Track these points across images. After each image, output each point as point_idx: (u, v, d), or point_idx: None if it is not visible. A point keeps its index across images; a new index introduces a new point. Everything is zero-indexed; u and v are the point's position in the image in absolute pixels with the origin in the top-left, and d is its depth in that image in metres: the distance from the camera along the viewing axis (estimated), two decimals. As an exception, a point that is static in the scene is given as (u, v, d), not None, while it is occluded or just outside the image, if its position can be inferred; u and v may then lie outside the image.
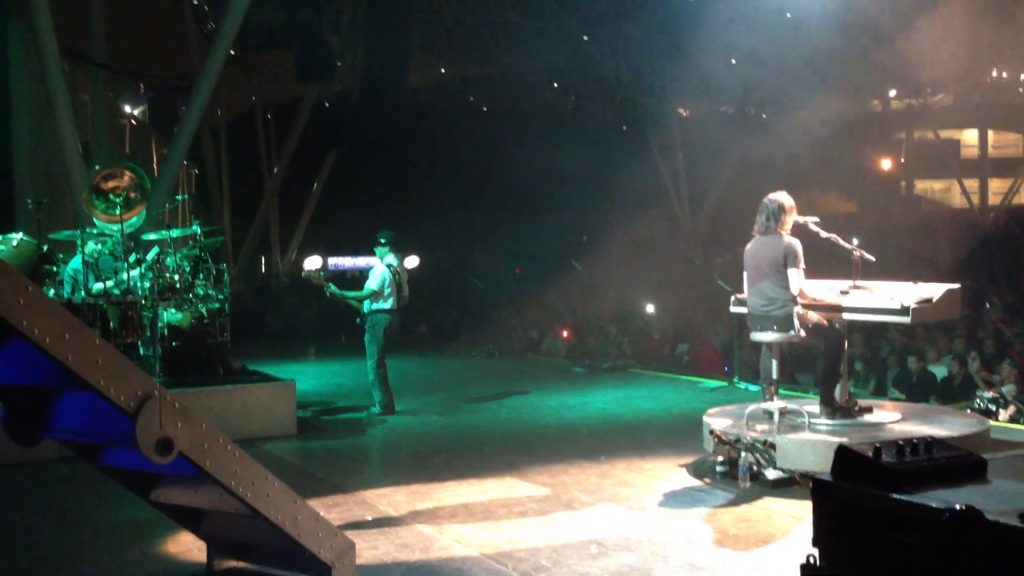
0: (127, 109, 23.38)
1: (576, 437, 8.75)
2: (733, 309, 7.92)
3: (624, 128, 30.78)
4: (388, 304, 9.86)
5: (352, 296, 10.05)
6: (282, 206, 29.29)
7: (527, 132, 30.31)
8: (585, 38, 26.37)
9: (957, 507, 2.30)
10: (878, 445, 2.71)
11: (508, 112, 31.52)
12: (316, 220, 29.41)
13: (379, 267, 9.96)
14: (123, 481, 4.86)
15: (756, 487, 6.54)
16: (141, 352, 9.16)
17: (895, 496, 2.52)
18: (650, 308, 16.97)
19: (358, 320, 10.04)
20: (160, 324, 9.03)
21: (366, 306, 9.92)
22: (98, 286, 8.89)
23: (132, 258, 9.13)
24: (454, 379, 13.15)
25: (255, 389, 9.05)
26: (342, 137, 25.98)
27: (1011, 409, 9.89)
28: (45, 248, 9.07)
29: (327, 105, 26.91)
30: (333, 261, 29.91)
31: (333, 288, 9.93)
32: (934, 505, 2.41)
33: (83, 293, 8.77)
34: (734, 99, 27.17)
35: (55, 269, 8.99)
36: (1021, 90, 33.39)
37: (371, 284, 9.87)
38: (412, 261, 10.87)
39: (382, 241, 10.04)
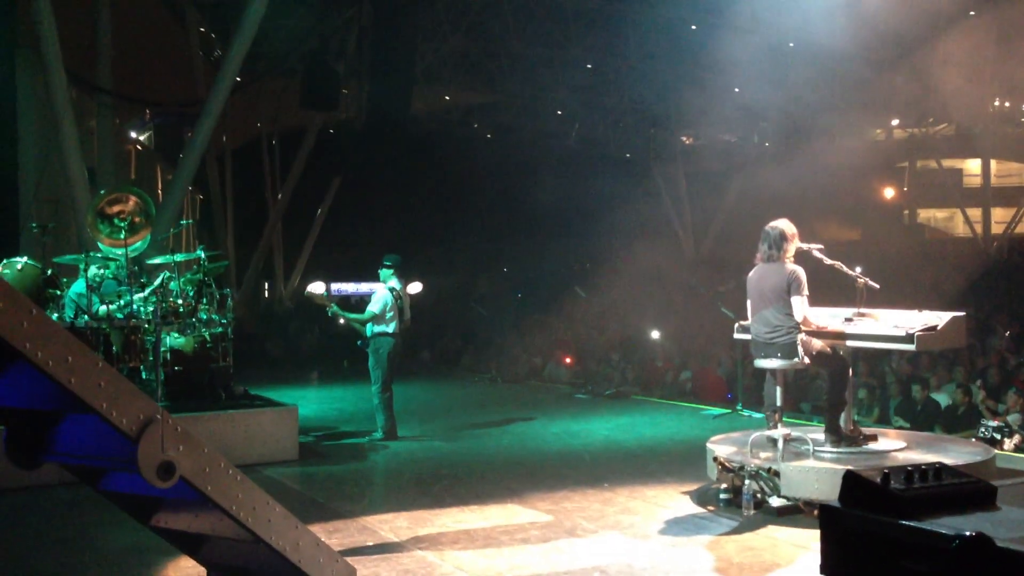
0: (133, 135, 23.52)
1: (579, 464, 8.70)
2: (737, 336, 7.90)
3: (628, 156, 30.90)
4: (391, 328, 9.87)
5: (353, 318, 10.06)
6: (286, 232, 29.40)
7: (531, 160, 30.44)
8: (589, 66, 26.53)
9: (967, 534, 2.28)
10: (886, 471, 2.69)
11: (512, 140, 31.65)
12: (320, 246, 29.50)
13: (381, 290, 9.97)
14: (124, 506, 4.82)
15: (760, 515, 6.49)
16: (144, 376, 9.14)
17: (904, 523, 2.49)
18: (654, 335, 16.93)
19: (359, 343, 10.05)
20: (163, 348, 9.02)
21: (368, 329, 9.92)
22: (102, 310, 8.88)
23: (136, 283, 9.14)
24: (456, 405, 13.12)
25: (257, 414, 9.02)
26: (347, 164, 26.11)
27: (1016, 438, 9.84)
28: (49, 272, 9.08)
29: (332, 132, 27.06)
30: (336, 287, 29.94)
31: (336, 307, 9.95)
32: (943, 532, 2.38)
33: (86, 317, 8.76)
34: (737, 128, 27.28)
35: (59, 293, 9.00)
36: (1023, 120, 33.52)
37: (373, 307, 9.88)
38: (415, 287, 10.87)
39: (387, 264, 10.08)
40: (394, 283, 10.01)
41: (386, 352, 9.86)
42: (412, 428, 10.33)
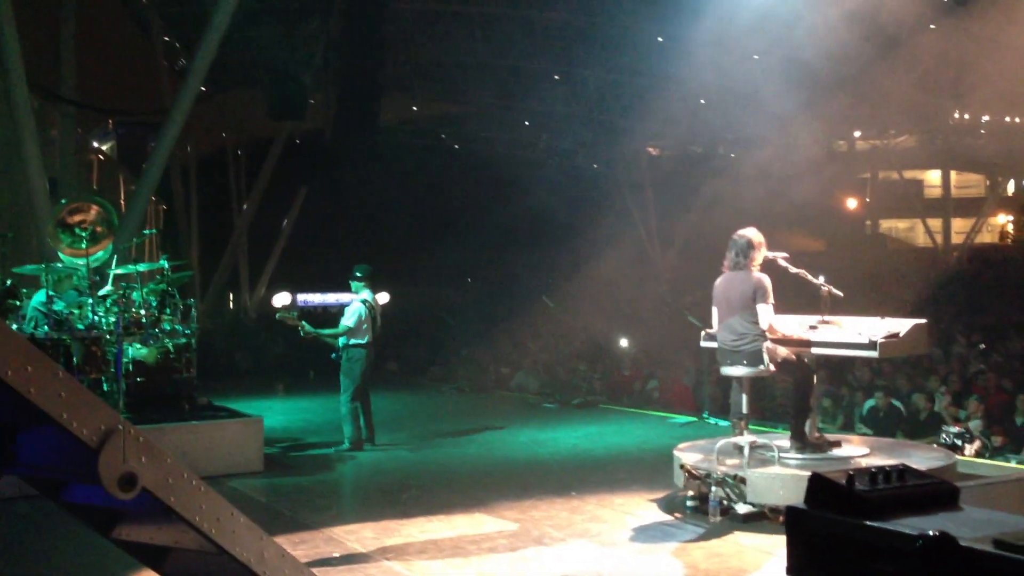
0: (95, 144, 23.26)
1: (546, 473, 8.70)
2: (703, 344, 7.95)
3: (595, 166, 31.05)
4: (364, 339, 9.87)
5: (327, 334, 10.02)
6: (252, 243, 29.14)
7: (499, 171, 30.47)
8: (556, 77, 26.65)
9: (931, 533, 2.30)
10: (851, 473, 2.71)
11: (480, 151, 31.70)
12: (286, 257, 29.27)
13: (355, 303, 9.96)
14: (85, 518, 4.74)
15: (726, 522, 6.52)
16: (105, 388, 9.01)
17: (869, 523, 2.51)
18: (621, 343, 16.99)
19: (333, 355, 10.01)
20: (125, 359, 8.90)
21: (341, 341, 9.89)
22: (62, 321, 8.75)
23: (97, 294, 9.02)
24: (424, 415, 13.06)
25: (221, 425, 8.94)
26: (313, 174, 25.99)
27: (977, 444, 9.97)
28: (8, 283, 8.94)
29: (298, 142, 26.93)
30: (303, 298, 29.74)
31: (308, 327, 9.90)
32: (908, 532, 2.40)
33: (46, 328, 8.63)
34: (703, 139, 27.51)
35: (18, 304, 8.85)
36: (982, 132, 34.11)
37: (347, 321, 9.87)
38: (382, 297, 10.83)
39: (358, 275, 10.06)
40: (366, 294, 10.00)
41: (359, 363, 9.85)
42: (379, 438, 10.26)
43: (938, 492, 2.73)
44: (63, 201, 10.51)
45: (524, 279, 27.88)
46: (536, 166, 30.96)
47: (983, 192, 40.25)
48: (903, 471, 2.77)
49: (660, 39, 22.60)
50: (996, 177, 37.42)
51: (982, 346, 14.48)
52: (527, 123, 30.59)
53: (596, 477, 8.34)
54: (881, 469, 2.75)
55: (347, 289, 10.20)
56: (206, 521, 4.02)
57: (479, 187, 31.09)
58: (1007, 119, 30.98)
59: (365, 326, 9.86)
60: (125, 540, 4.77)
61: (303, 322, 9.93)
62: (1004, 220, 43.42)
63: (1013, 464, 8.64)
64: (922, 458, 6.94)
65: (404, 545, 6.22)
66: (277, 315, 10.45)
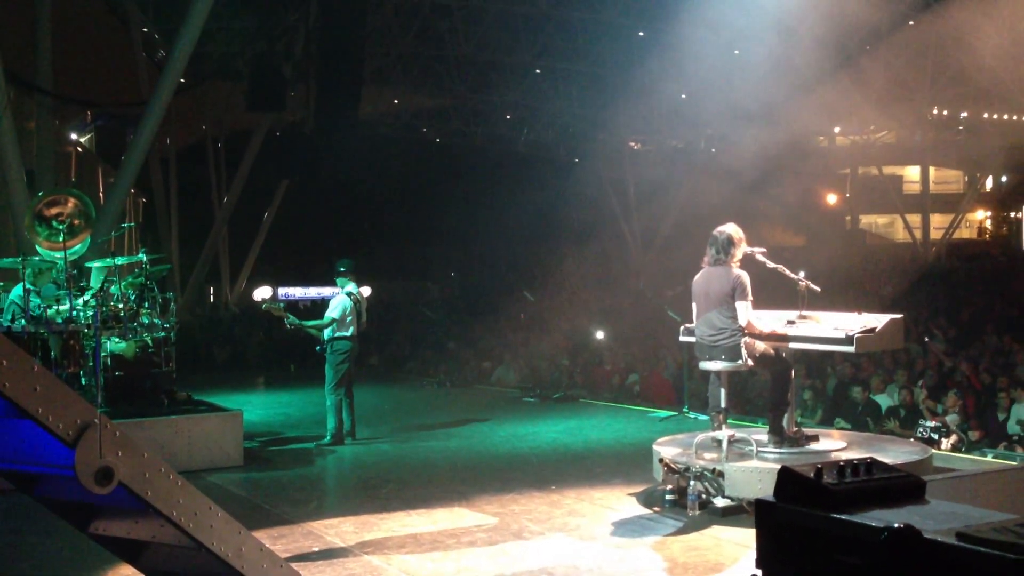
0: (73, 137, 23.05)
1: (526, 467, 8.72)
2: (683, 339, 7.99)
3: (576, 161, 31.09)
4: (349, 332, 9.92)
5: (312, 325, 10.04)
6: (232, 236, 29.05)
7: (480, 164, 30.45)
8: (538, 71, 26.66)
9: (895, 526, 2.34)
10: (820, 466, 2.75)
11: (461, 144, 31.66)
12: (267, 250, 29.20)
13: (339, 295, 9.99)
14: (61, 513, 4.73)
15: (705, 515, 6.57)
16: (83, 382, 8.96)
17: (836, 516, 2.55)
18: (601, 338, 17.04)
19: (318, 348, 10.03)
20: (103, 353, 8.86)
21: (327, 334, 9.92)
22: (40, 314, 8.69)
23: (76, 287, 8.97)
24: (404, 409, 13.07)
25: (200, 420, 8.91)
26: (294, 167, 25.89)
27: (953, 438, 10.08)
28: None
29: (279, 135, 26.85)
30: (284, 291, 29.66)
31: (293, 319, 9.93)
32: (873, 524, 2.44)
33: (23, 321, 8.57)
34: (684, 134, 27.59)
35: (-5, 297, 8.79)
36: (961, 128, 34.37)
37: (332, 313, 9.90)
38: (365, 291, 10.86)
39: (342, 269, 10.11)
40: (351, 287, 10.04)
41: (344, 355, 9.90)
42: (359, 432, 10.26)
43: (905, 485, 2.78)
44: (40, 194, 10.42)
45: (505, 273, 27.90)
46: (517, 160, 30.98)
47: (961, 188, 40.60)
48: (871, 464, 2.81)
49: (641, 33, 22.64)
50: (974, 173, 37.73)
51: (928, 339, 14.57)
52: (508, 116, 30.59)
53: (575, 471, 8.38)
54: (849, 462, 2.79)
55: (328, 282, 10.24)
56: (184, 515, 4.02)
57: (460, 181, 31.08)
58: (985, 115, 31.23)
59: (350, 319, 9.90)
60: (102, 535, 4.76)
61: (288, 314, 9.98)
62: (982, 216, 43.83)
63: (989, 458, 8.73)
64: (898, 452, 7.02)
65: (384, 539, 6.23)
66: (263, 306, 10.51)
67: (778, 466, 6.38)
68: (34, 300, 8.62)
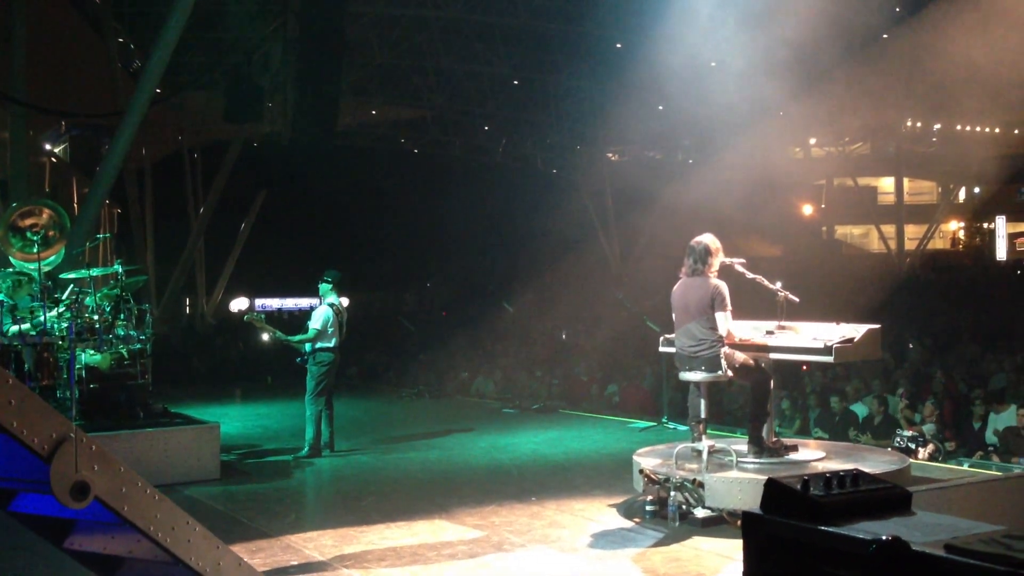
0: (48, 147, 22.83)
1: (506, 478, 8.69)
2: (662, 349, 8.00)
3: (555, 172, 31.16)
4: (332, 343, 9.90)
5: (297, 339, 10.00)
6: (209, 247, 28.86)
7: (459, 176, 30.45)
8: (516, 82, 26.70)
9: (883, 538, 2.33)
10: (806, 478, 2.74)
11: (440, 156, 31.64)
12: (243, 261, 29.03)
13: (322, 307, 9.96)
14: (36, 528, 4.65)
15: (686, 526, 6.56)
16: (58, 395, 8.85)
17: (823, 528, 2.55)
18: (579, 349, 17.05)
19: (299, 359, 9.98)
20: (78, 366, 8.75)
21: (308, 345, 9.87)
22: (13, 328, 8.58)
23: (50, 299, 8.86)
24: (383, 421, 13.00)
25: (176, 432, 8.82)
26: (271, 178, 25.77)
27: (930, 447, 10.14)
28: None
29: (256, 146, 26.72)
30: (260, 302, 29.49)
31: (279, 333, 9.92)
32: (861, 537, 2.44)
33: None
34: (662, 145, 27.71)
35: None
36: (934, 140, 34.77)
37: (315, 324, 9.88)
38: (343, 302, 10.82)
39: (327, 280, 10.13)
40: (333, 299, 10.02)
41: (326, 367, 9.88)
42: (338, 444, 10.19)
43: (891, 497, 2.78)
44: (14, 204, 10.30)
45: (483, 284, 27.89)
46: (496, 171, 31.00)
47: (935, 199, 41.05)
48: (857, 476, 2.81)
49: (619, 45, 22.73)
50: (948, 184, 38.16)
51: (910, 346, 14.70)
52: (486, 128, 30.61)
53: (556, 482, 8.36)
54: (835, 474, 2.78)
55: (306, 293, 10.20)
56: (160, 530, 3.97)
57: (439, 192, 31.05)
58: (958, 127, 31.61)
59: (331, 330, 9.86)
60: (78, 550, 4.69)
61: (275, 330, 9.99)
62: (956, 226, 44.31)
63: (966, 467, 8.78)
64: (876, 462, 7.04)
65: (363, 552, 6.17)
66: (245, 317, 10.50)
67: (758, 476, 6.43)
68: (6, 316, 8.50)
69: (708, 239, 7.15)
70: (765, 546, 2.67)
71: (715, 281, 7.00)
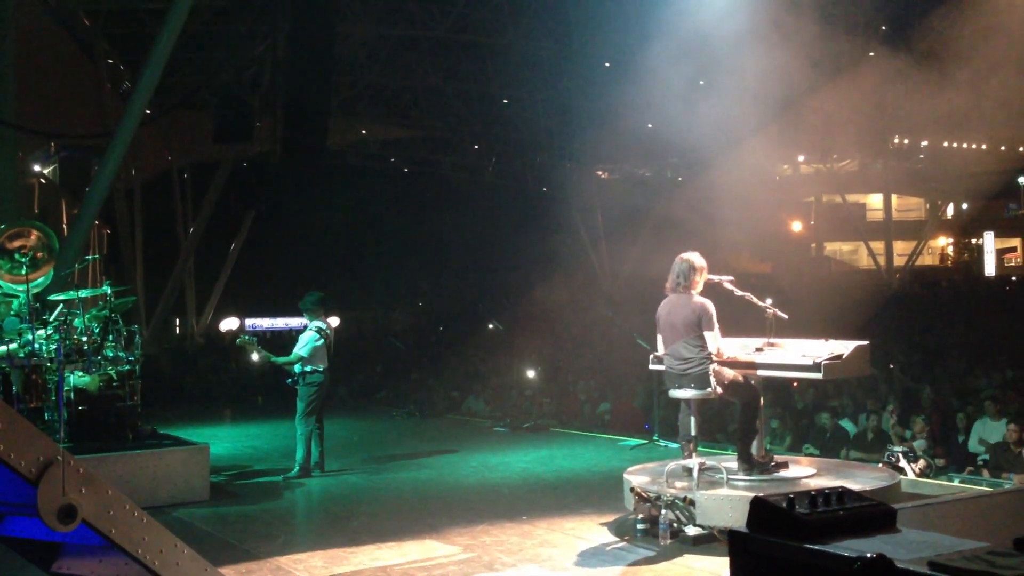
0: (36, 168, 22.78)
1: (497, 497, 8.68)
2: (652, 367, 8.01)
3: (544, 190, 31.24)
4: (321, 365, 9.91)
5: (284, 361, 9.99)
6: (198, 267, 28.79)
7: (448, 194, 30.50)
8: (505, 101, 26.80)
9: (868, 556, 2.35)
10: (792, 496, 2.75)
11: (429, 175, 31.71)
12: (233, 281, 28.96)
13: (308, 332, 9.97)
14: (24, 552, 4.63)
15: (676, 544, 6.56)
16: (46, 417, 8.81)
17: (809, 546, 2.56)
18: (570, 367, 17.04)
19: (289, 380, 9.98)
20: (67, 387, 8.72)
21: (298, 367, 9.87)
22: (1, 349, 8.55)
23: (38, 320, 8.83)
24: (374, 440, 12.97)
25: (166, 454, 8.78)
26: (261, 198, 25.79)
27: (921, 463, 10.16)
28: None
29: (246, 166, 26.74)
30: (251, 322, 29.41)
31: (270, 356, 9.94)
32: (846, 554, 2.45)
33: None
34: (651, 163, 27.81)
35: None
36: (922, 156, 34.98)
37: (300, 351, 9.91)
38: (333, 321, 10.84)
39: (309, 303, 10.09)
40: (320, 323, 10.00)
41: (316, 388, 9.87)
42: (328, 464, 10.17)
43: (876, 514, 2.79)
44: (2, 226, 10.27)
45: (474, 302, 27.88)
46: (486, 190, 31.06)
47: (923, 215, 41.27)
48: (842, 493, 2.82)
49: (607, 64, 22.86)
50: (936, 201, 38.37)
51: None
52: (476, 147, 30.70)
53: (547, 501, 8.35)
54: (821, 492, 2.80)
55: (296, 313, 10.19)
56: (149, 553, 3.95)
57: (429, 211, 31.09)
58: (945, 144, 31.82)
59: (320, 353, 9.84)
60: (66, 574, 4.66)
61: (261, 348, 9.99)
62: (944, 243, 44.56)
63: (956, 483, 8.81)
64: (867, 478, 7.06)
65: (353, 573, 6.15)
66: (237, 341, 10.49)
67: (749, 494, 6.43)
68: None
69: (693, 257, 7.17)
70: (751, 564, 2.68)
71: (700, 299, 7.02)
